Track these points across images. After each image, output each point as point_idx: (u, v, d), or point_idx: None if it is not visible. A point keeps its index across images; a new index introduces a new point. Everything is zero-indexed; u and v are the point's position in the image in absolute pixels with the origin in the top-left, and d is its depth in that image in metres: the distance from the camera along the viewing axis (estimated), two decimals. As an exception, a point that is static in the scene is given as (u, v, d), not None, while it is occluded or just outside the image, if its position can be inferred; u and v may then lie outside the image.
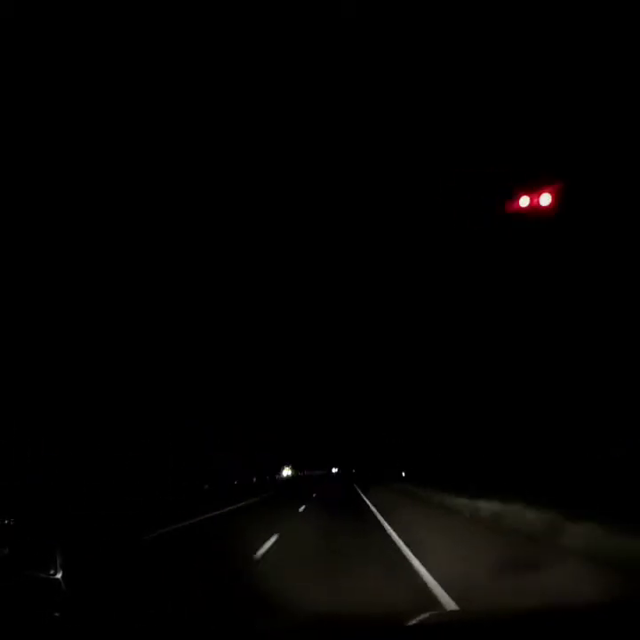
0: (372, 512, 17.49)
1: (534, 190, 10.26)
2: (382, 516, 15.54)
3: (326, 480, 69.53)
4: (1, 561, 2.88)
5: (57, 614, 2.62)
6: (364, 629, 2.78)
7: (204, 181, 24.71)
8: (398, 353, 41.73)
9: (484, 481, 18.90)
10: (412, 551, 8.82)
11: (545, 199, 10.04)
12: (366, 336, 49.09)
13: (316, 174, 23.46)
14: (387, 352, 45.48)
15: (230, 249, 33.31)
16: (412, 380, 40.63)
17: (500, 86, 16.04)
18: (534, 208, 10.14)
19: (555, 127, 15.46)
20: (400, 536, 10.73)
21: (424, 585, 6.46)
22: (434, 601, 5.66)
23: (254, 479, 52.75)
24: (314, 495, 29.74)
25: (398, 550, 9.18)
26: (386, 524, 13.19)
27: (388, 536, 11.14)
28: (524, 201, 10.19)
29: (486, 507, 12.89)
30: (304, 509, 19.74)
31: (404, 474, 45.89)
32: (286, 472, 71.90)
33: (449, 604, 5.50)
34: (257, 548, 9.59)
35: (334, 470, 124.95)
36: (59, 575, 2.89)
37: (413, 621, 2.94)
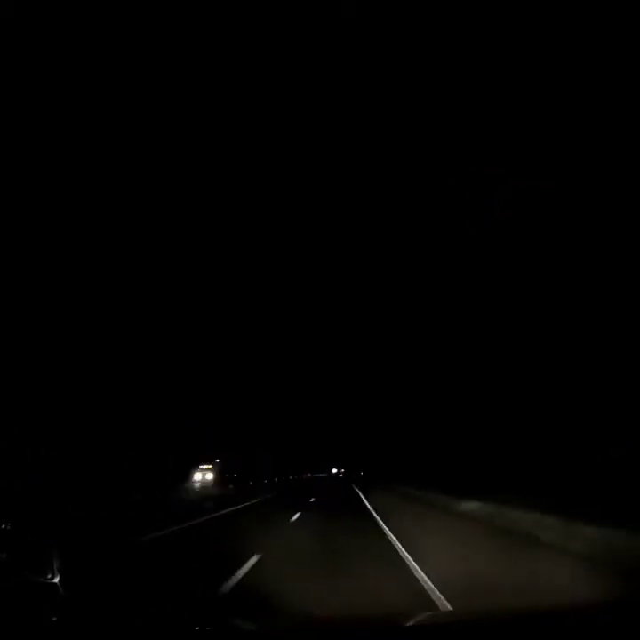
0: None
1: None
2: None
3: (327, 482, 68.45)
4: (-1, 565, 2.88)
5: (55, 619, 2.61)
6: (363, 630, 2.78)
7: (204, 182, 24.72)
8: (399, 353, 41.76)
9: (486, 483, 18.83)
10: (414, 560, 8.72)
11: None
12: (367, 336, 49.11)
13: (315, 174, 23.47)
14: (387, 352, 45.51)
15: (230, 249, 33.33)
16: (412, 380, 40.65)
17: (499, 86, 16.04)
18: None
19: (555, 127, 15.45)
20: (404, 546, 9.69)
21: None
22: None
23: (251, 482, 51.61)
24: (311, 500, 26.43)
25: (399, 555, 9.10)
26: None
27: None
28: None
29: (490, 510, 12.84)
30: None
31: (405, 475, 45.86)
32: (198, 477, 41.57)
33: None
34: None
35: (334, 471, 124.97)
36: (56, 579, 2.88)
37: (412, 622, 2.94)
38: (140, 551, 10.39)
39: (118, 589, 6.64)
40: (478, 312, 23.88)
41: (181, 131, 21.11)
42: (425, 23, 14.87)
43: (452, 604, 5.41)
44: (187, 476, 38.35)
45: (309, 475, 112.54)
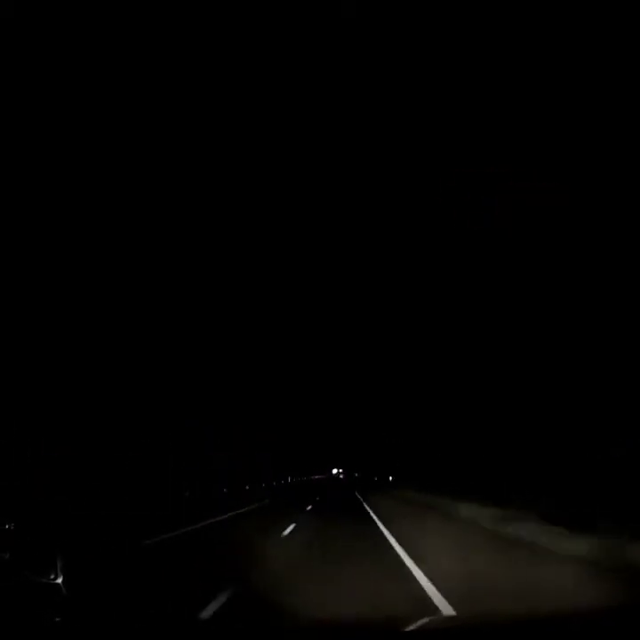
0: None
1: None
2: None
3: (328, 485, 67.77)
4: (1, 566, 2.88)
5: (58, 619, 2.61)
6: (364, 634, 2.78)
7: (204, 182, 24.71)
8: (399, 353, 41.74)
9: (486, 483, 18.82)
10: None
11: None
12: (367, 336, 49.11)
13: (315, 174, 23.47)
14: (387, 352, 45.50)
15: (230, 249, 33.31)
16: (412, 380, 40.63)
17: (500, 86, 16.03)
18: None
19: (554, 127, 15.45)
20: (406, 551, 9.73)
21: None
22: None
23: (247, 486, 50.60)
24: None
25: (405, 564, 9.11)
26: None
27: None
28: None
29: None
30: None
31: (405, 475, 45.86)
32: None
33: None
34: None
35: (334, 471, 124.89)
36: (59, 580, 2.88)
37: (412, 626, 2.94)
38: (141, 553, 10.41)
39: (121, 589, 6.64)
40: (478, 312, 23.87)
41: (181, 131, 21.11)
42: (425, 23, 14.87)
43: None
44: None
45: (316, 477, 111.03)
